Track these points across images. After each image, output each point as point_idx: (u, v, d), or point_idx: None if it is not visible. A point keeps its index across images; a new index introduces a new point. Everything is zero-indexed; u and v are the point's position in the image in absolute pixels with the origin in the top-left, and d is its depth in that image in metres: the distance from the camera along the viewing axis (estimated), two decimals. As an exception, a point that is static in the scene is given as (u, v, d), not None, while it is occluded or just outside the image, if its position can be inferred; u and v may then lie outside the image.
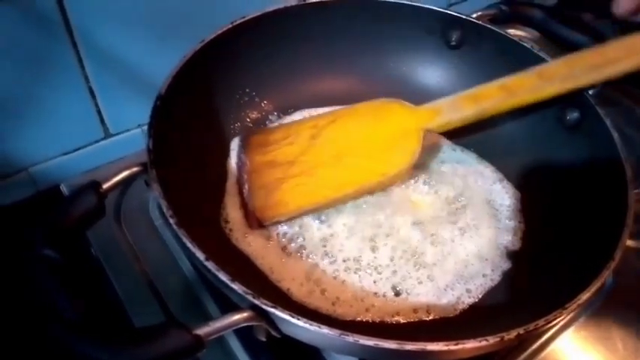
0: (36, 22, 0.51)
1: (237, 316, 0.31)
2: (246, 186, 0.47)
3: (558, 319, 0.33)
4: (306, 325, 0.31)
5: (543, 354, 0.46)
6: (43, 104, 0.56)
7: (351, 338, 0.30)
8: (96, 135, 0.63)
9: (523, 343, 0.46)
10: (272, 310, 0.31)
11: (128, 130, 0.65)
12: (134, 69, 0.60)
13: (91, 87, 0.58)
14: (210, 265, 0.32)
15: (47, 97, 0.56)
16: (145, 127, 0.63)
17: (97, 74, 0.57)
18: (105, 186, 0.36)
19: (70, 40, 0.54)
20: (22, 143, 0.58)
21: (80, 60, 0.55)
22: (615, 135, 0.43)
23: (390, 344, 0.30)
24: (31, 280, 0.30)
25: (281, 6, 0.52)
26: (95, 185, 0.35)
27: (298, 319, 0.31)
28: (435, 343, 0.30)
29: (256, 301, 0.31)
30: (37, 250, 0.31)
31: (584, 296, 0.33)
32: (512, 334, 0.31)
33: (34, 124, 0.57)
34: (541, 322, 0.32)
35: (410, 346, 0.30)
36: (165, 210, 0.34)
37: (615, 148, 0.43)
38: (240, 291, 0.31)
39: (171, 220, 0.34)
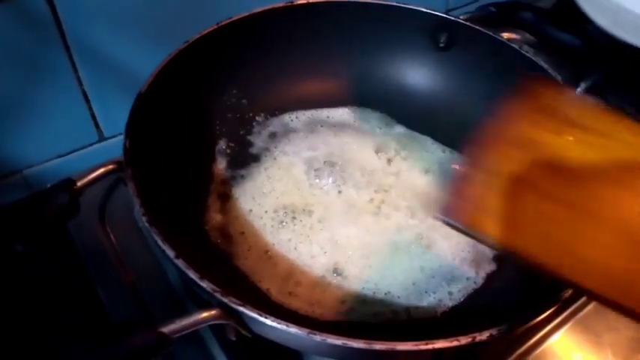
0: (28, 24, 0.51)
1: (204, 314, 0.31)
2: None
3: (534, 320, 0.32)
4: (274, 324, 0.30)
5: (530, 358, 0.45)
6: (36, 107, 0.57)
7: (318, 337, 0.30)
8: (90, 138, 0.63)
9: (510, 346, 0.45)
10: (240, 308, 0.30)
11: (122, 134, 0.65)
12: (128, 72, 0.60)
13: (85, 90, 0.58)
14: (179, 262, 0.32)
15: (40, 100, 0.56)
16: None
17: (90, 77, 0.57)
18: (79, 183, 0.36)
19: (63, 43, 0.54)
20: (16, 146, 0.58)
21: (73, 63, 0.56)
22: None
23: (359, 344, 0.29)
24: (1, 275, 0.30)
25: (268, 7, 0.52)
26: (69, 182, 0.35)
27: (266, 318, 0.30)
28: (405, 343, 0.29)
29: (224, 299, 0.30)
30: (9, 246, 0.31)
31: (566, 294, 0.33)
32: (484, 334, 0.30)
33: (28, 127, 0.57)
34: (517, 322, 0.31)
35: (379, 346, 0.29)
36: (137, 207, 0.34)
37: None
38: (208, 288, 0.31)
39: (144, 218, 0.34)
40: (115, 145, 0.63)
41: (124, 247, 0.50)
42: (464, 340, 0.30)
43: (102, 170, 0.38)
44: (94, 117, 0.61)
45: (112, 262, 0.49)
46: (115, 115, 0.62)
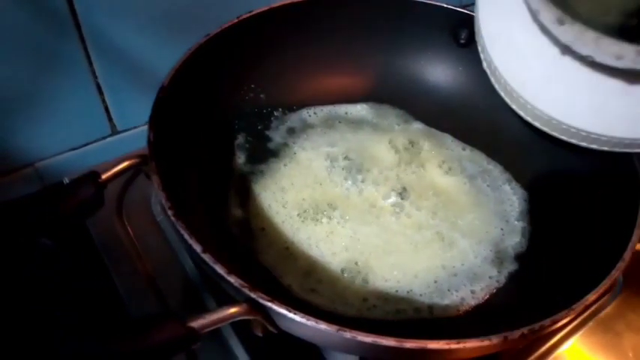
0: (44, 17, 0.51)
1: (232, 309, 0.30)
2: None
3: (564, 320, 0.32)
4: (303, 320, 0.30)
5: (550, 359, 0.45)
6: (49, 99, 0.57)
7: (348, 334, 0.29)
8: (103, 131, 0.63)
9: (529, 347, 0.45)
10: (268, 304, 0.30)
11: (135, 127, 0.65)
12: (142, 66, 0.60)
13: (99, 83, 0.58)
14: (207, 257, 0.32)
15: (54, 92, 0.56)
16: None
17: (104, 70, 0.57)
18: (104, 176, 0.35)
19: (79, 36, 0.54)
20: (29, 138, 0.58)
21: (88, 56, 0.55)
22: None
23: (389, 341, 0.29)
24: (27, 267, 0.30)
25: (288, 1, 0.52)
26: (94, 175, 0.35)
27: (295, 314, 0.30)
28: (436, 341, 0.29)
29: (252, 295, 0.30)
30: (35, 238, 0.30)
31: (591, 297, 0.32)
32: (517, 334, 0.30)
33: (41, 119, 0.57)
34: (547, 322, 0.31)
35: (410, 344, 0.29)
36: (163, 201, 0.34)
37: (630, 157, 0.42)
38: (236, 284, 0.30)
39: (169, 212, 0.33)
40: (128, 139, 0.64)
41: (141, 239, 0.51)
42: (495, 340, 0.30)
43: (126, 163, 0.37)
44: (107, 110, 0.61)
45: (130, 255, 0.49)
46: (129, 109, 0.62)
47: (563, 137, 0.43)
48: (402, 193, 0.49)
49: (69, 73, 0.56)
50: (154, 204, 0.52)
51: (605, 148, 0.41)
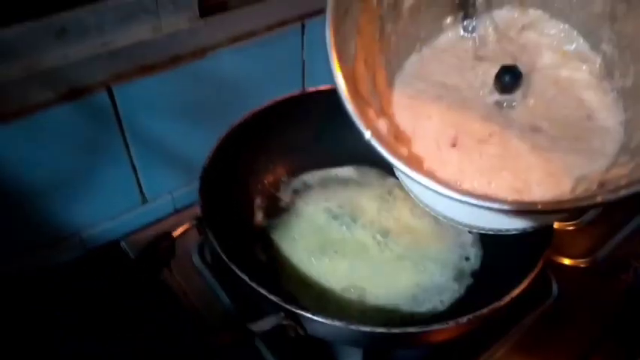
0: (91, 115, 0.64)
1: (274, 318, 0.45)
2: None
3: (496, 306, 0.46)
4: (324, 320, 0.45)
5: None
6: (92, 179, 0.68)
7: (354, 327, 0.44)
8: (135, 202, 0.75)
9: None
10: (300, 311, 0.44)
11: (160, 197, 0.77)
12: (170, 147, 0.73)
13: (134, 164, 0.71)
14: (253, 284, 0.46)
15: (96, 174, 0.68)
16: (175, 193, 0.77)
17: (139, 153, 0.70)
18: (175, 234, 0.50)
19: (119, 128, 0.67)
20: (74, 212, 0.69)
21: (126, 144, 0.68)
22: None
23: (381, 329, 0.44)
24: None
25: (288, 95, 0.68)
26: (167, 234, 0.49)
27: (318, 317, 0.44)
28: (413, 327, 0.44)
29: (289, 307, 0.45)
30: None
31: (515, 293, 0.47)
32: (465, 318, 0.45)
33: (85, 196, 0.69)
34: (485, 310, 0.46)
35: (395, 330, 0.44)
36: (217, 248, 0.48)
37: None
38: (276, 300, 0.45)
39: (224, 256, 0.48)
40: (155, 207, 0.77)
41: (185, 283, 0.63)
42: (452, 323, 0.45)
43: (188, 224, 0.52)
44: (139, 185, 0.74)
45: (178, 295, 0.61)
46: (157, 183, 0.75)
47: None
48: (384, 233, 0.64)
49: (109, 157, 0.68)
50: (195, 255, 0.66)
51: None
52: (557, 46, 0.50)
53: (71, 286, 0.64)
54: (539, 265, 0.50)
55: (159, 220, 0.77)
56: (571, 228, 0.74)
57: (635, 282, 0.67)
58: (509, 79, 0.46)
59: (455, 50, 0.53)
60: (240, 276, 0.46)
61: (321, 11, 0.78)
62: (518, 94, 0.47)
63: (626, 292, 0.66)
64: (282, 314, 0.45)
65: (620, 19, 0.46)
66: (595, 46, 0.48)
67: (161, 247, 0.50)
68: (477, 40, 0.52)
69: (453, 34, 0.53)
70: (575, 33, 0.49)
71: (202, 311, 0.59)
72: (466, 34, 0.53)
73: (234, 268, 0.47)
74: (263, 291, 0.45)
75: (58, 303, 0.60)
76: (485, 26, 0.52)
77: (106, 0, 0.63)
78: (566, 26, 0.50)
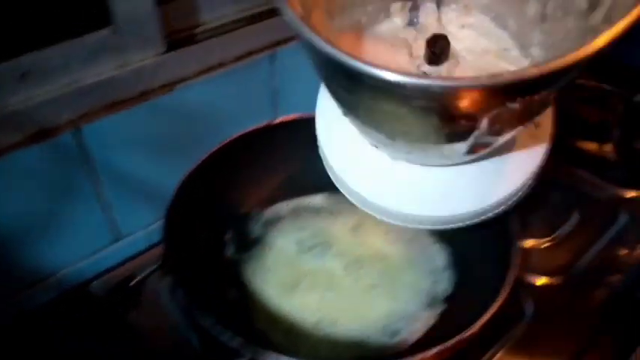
0: (60, 155, 0.63)
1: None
2: None
3: (467, 334, 0.46)
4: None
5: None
6: (64, 219, 0.67)
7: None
8: (111, 238, 0.74)
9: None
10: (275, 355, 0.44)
11: (136, 232, 0.77)
12: (141, 182, 0.73)
13: (106, 200, 0.70)
14: (218, 328, 0.45)
15: (68, 213, 0.67)
16: (150, 228, 0.76)
17: (111, 190, 0.70)
18: (131, 283, 0.50)
19: (89, 166, 0.67)
20: (49, 254, 0.68)
21: (96, 180, 0.68)
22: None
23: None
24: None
25: (254, 127, 0.69)
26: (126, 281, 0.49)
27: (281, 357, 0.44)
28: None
29: (252, 349, 0.44)
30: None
31: (484, 319, 0.47)
32: (433, 350, 0.45)
33: (58, 237, 0.68)
34: (453, 341, 0.46)
35: None
36: (184, 298, 0.48)
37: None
38: (238, 345, 0.44)
39: (185, 298, 0.47)
40: (130, 242, 0.76)
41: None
42: (419, 355, 0.44)
43: (149, 270, 0.52)
44: (113, 221, 0.73)
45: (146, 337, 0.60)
46: (131, 218, 0.74)
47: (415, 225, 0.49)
48: (356, 262, 0.64)
49: (81, 196, 0.67)
50: (164, 295, 0.65)
51: (460, 224, 0.48)
52: (490, 46, 0.50)
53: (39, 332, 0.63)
54: (506, 290, 0.50)
55: (136, 255, 0.76)
56: (547, 245, 0.74)
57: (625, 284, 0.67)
58: (438, 45, 0.45)
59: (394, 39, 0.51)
60: (205, 319, 0.46)
61: (290, 39, 0.82)
62: (444, 68, 0.47)
63: (611, 297, 0.67)
64: (250, 356, 0.44)
65: (549, 18, 0.47)
66: (525, 49, 0.49)
67: (129, 287, 0.50)
68: (417, 31, 0.52)
69: (398, 21, 0.52)
70: (508, 37, 0.50)
71: (171, 354, 0.58)
72: (410, 26, 0.52)
73: (196, 313, 0.46)
74: (229, 333, 0.45)
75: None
76: (427, 17, 0.52)
77: (70, 39, 0.63)
78: (505, 33, 0.50)
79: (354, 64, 0.32)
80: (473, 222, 0.48)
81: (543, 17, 0.48)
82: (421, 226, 0.48)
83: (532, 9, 0.48)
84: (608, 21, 0.37)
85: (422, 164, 0.46)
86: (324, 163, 0.53)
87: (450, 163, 0.45)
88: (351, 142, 0.49)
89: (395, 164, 0.48)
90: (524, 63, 0.47)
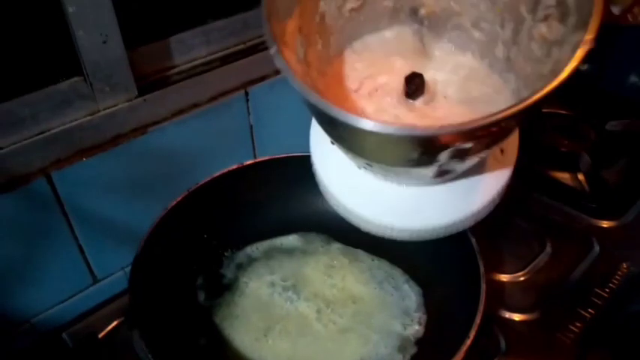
0: (33, 202, 0.64)
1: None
2: None
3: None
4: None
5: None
6: (39, 265, 0.68)
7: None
8: (86, 282, 0.74)
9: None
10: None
11: (113, 274, 0.77)
12: (115, 224, 0.73)
13: (80, 245, 0.70)
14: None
15: (43, 259, 0.67)
16: (127, 269, 0.76)
17: (85, 234, 0.70)
18: (100, 335, 0.49)
19: (62, 212, 0.67)
20: (24, 300, 0.68)
21: (70, 225, 0.68)
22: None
23: None
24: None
25: (225, 170, 0.69)
26: (93, 335, 0.49)
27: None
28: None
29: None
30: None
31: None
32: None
33: (33, 283, 0.68)
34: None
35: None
36: (144, 348, 0.47)
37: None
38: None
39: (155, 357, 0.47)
40: (107, 285, 0.76)
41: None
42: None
43: (116, 322, 0.51)
44: (88, 265, 0.73)
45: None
46: (106, 261, 0.74)
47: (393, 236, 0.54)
48: (328, 305, 0.64)
49: (55, 241, 0.67)
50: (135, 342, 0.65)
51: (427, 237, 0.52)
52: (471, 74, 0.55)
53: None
54: (473, 333, 0.50)
55: (113, 298, 0.76)
56: (521, 279, 0.74)
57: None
58: (414, 83, 0.49)
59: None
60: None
61: (264, 77, 0.83)
62: (421, 101, 0.51)
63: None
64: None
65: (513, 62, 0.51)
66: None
67: (99, 337, 0.49)
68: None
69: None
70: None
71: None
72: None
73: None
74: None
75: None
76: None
77: (38, 90, 0.64)
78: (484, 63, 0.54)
79: (328, 110, 0.37)
80: (446, 233, 0.52)
81: (508, 60, 0.51)
82: (399, 237, 0.53)
83: (499, 52, 0.52)
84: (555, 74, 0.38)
85: (399, 184, 0.51)
86: (318, 183, 0.58)
87: (424, 184, 0.51)
88: (342, 164, 0.54)
89: (378, 183, 0.53)
90: (505, 88, 0.52)
